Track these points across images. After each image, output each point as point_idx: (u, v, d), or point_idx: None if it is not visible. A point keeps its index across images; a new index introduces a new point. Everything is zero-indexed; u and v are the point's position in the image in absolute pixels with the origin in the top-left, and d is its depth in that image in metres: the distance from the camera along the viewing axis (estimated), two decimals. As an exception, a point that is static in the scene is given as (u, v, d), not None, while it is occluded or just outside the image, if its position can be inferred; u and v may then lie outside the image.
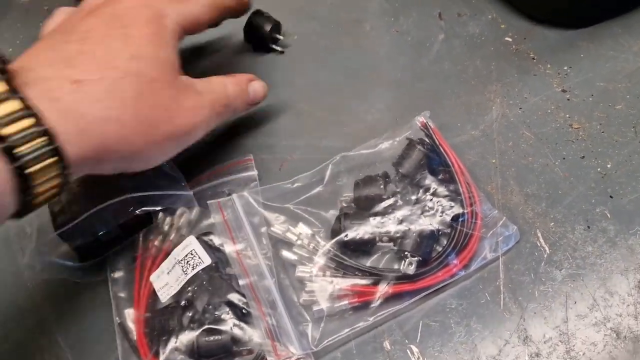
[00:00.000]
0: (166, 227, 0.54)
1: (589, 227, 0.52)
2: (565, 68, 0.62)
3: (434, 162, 0.53)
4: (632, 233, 0.51)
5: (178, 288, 0.49)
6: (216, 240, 0.52)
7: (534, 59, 0.63)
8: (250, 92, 0.54)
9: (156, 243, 0.53)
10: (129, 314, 0.50)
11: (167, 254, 0.52)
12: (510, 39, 0.65)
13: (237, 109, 0.54)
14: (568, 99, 0.60)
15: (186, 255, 0.50)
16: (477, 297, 0.49)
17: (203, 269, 0.49)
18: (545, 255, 0.51)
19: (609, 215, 0.53)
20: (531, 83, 0.62)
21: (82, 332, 0.52)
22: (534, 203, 0.54)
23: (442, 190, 0.51)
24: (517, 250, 0.51)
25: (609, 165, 0.55)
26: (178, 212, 0.54)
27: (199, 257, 0.50)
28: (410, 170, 0.53)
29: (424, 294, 0.49)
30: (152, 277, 0.51)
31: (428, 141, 0.54)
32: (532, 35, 0.65)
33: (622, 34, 0.64)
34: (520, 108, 0.60)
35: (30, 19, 0.74)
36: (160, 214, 0.54)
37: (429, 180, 0.52)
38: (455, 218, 0.51)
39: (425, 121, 0.55)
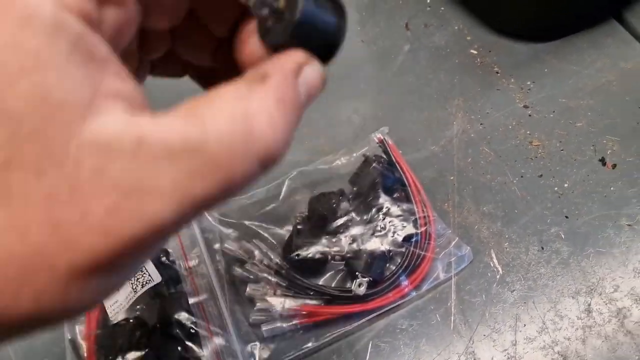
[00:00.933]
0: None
1: (542, 248, 0.52)
2: (529, 83, 0.62)
3: (389, 181, 0.53)
4: (585, 255, 0.51)
5: (127, 306, 0.49)
6: (168, 255, 0.52)
7: (497, 72, 0.63)
8: (302, 91, 0.26)
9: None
10: (80, 330, 0.50)
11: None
12: (475, 52, 0.65)
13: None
14: (530, 115, 0.60)
15: (136, 273, 0.50)
16: (428, 318, 0.49)
17: (153, 287, 0.49)
18: (498, 276, 0.51)
19: (563, 236, 0.53)
20: (494, 98, 0.61)
21: (33, 347, 0.51)
22: (489, 222, 0.54)
23: (395, 209, 0.51)
24: (470, 271, 0.51)
25: (566, 185, 0.55)
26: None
27: (149, 275, 0.49)
28: (364, 188, 0.52)
29: (374, 314, 0.49)
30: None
31: (384, 158, 0.54)
32: (498, 48, 0.65)
33: (587, 48, 0.64)
34: (481, 124, 0.59)
35: None
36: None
37: (382, 200, 0.52)
38: (407, 238, 0.50)
39: (382, 137, 0.55)
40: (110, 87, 0.20)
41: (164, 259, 0.51)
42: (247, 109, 0.22)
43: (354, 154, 0.55)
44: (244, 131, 0.21)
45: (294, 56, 0.25)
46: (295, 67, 0.25)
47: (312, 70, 0.26)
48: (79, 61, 0.19)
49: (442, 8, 0.68)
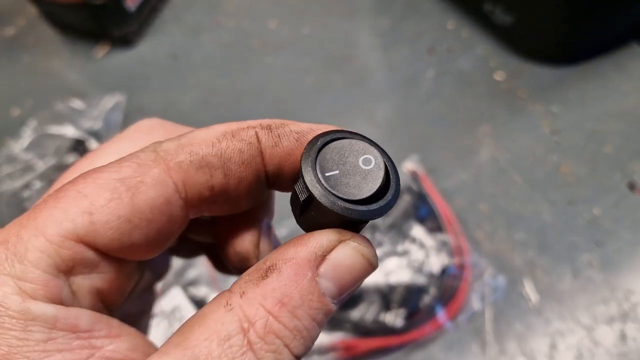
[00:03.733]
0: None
1: (575, 276, 0.52)
2: (554, 108, 0.62)
3: (422, 211, 0.53)
4: (617, 282, 0.51)
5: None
6: (203, 290, 0.52)
7: (523, 98, 0.63)
8: (326, 284, 0.21)
9: (143, 291, 0.53)
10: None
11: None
12: (500, 77, 0.65)
13: None
14: (557, 141, 0.60)
15: (173, 309, 0.50)
16: (465, 349, 0.49)
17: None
18: (533, 305, 0.51)
19: (595, 263, 0.53)
20: (521, 124, 0.62)
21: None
22: (522, 250, 0.54)
23: (429, 240, 0.51)
24: (504, 300, 0.51)
25: (596, 212, 0.55)
26: (165, 259, 0.54)
27: (185, 311, 0.50)
28: (397, 220, 0.52)
29: (411, 346, 0.49)
30: (139, 329, 0.51)
31: (416, 189, 0.54)
32: (521, 74, 0.65)
33: (611, 72, 0.64)
34: (509, 151, 0.60)
35: (14, 53, 0.73)
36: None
37: (417, 231, 0.52)
38: (442, 269, 0.51)
39: (413, 168, 0.55)
40: (104, 354, 0.21)
41: (197, 295, 0.52)
42: (232, 326, 0.20)
43: (385, 184, 0.55)
44: (239, 350, 0.20)
45: (317, 238, 0.21)
46: (314, 252, 0.21)
47: (345, 252, 0.21)
48: (59, 345, 0.20)
49: (464, 33, 0.69)
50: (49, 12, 0.74)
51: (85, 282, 0.22)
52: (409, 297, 0.49)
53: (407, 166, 0.55)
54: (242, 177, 0.24)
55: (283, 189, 0.25)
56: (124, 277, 0.24)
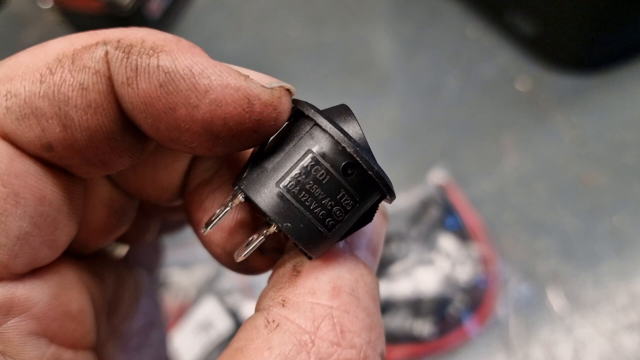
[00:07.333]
0: (184, 284, 0.55)
1: (597, 284, 0.54)
2: (575, 118, 0.63)
3: (448, 222, 0.54)
4: (637, 291, 0.53)
5: (207, 351, 0.51)
6: (235, 298, 0.54)
7: (544, 107, 0.64)
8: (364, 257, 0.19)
9: (174, 300, 0.55)
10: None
11: (184, 312, 0.53)
12: (521, 87, 0.66)
13: None
14: (578, 151, 0.61)
15: (207, 317, 0.51)
16: (491, 356, 0.51)
17: (227, 334, 0.51)
18: (557, 313, 0.53)
19: (616, 272, 0.54)
20: (542, 133, 0.63)
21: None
22: (545, 259, 0.55)
23: (455, 250, 0.53)
24: (529, 308, 0.53)
25: (617, 221, 0.57)
26: (196, 268, 0.56)
27: (219, 320, 0.51)
28: (424, 230, 0.54)
29: (438, 354, 0.51)
30: (177, 337, 0.52)
31: (441, 201, 0.56)
32: (542, 83, 0.66)
33: (631, 82, 0.65)
34: (532, 160, 0.61)
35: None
36: (177, 270, 0.55)
37: (443, 241, 0.53)
38: (469, 279, 0.52)
39: (439, 180, 0.57)
40: None
41: (230, 304, 0.53)
42: (287, 346, 0.15)
43: (411, 195, 0.56)
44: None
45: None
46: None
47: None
48: None
49: (485, 42, 0.70)
50: (71, 20, 0.74)
51: (12, 333, 0.16)
52: (436, 306, 0.51)
53: (432, 178, 0.57)
54: (94, 128, 0.15)
55: (167, 144, 0.16)
56: (59, 295, 0.17)
